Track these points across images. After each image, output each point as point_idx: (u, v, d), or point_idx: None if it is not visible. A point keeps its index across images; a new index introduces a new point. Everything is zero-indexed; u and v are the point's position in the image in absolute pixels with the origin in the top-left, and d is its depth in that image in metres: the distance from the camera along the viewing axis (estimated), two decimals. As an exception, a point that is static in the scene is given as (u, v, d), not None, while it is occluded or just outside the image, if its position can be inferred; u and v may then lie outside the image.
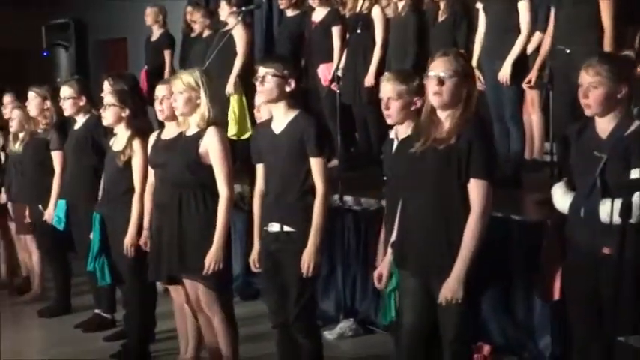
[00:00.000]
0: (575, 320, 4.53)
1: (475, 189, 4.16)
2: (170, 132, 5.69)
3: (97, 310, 7.36)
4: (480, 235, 4.14)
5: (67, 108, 7.07)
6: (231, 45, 8.57)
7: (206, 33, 9.61)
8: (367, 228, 6.79)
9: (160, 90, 5.75)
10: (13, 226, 8.57)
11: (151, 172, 5.85)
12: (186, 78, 5.34)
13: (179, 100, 5.33)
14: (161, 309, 6.70)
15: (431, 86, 4.26)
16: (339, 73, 7.71)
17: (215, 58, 8.25)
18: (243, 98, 8.58)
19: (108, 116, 6.24)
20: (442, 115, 4.26)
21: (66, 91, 7.06)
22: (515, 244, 5.83)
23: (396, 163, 4.82)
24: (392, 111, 4.86)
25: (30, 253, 8.31)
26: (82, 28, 14.16)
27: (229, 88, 8.55)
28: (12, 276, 8.94)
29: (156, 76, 10.03)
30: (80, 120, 7.10)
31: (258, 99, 5.14)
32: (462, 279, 4.14)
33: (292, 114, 5.02)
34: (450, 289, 4.15)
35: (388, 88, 4.88)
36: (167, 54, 10.51)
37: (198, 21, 9.77)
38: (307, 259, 4.91)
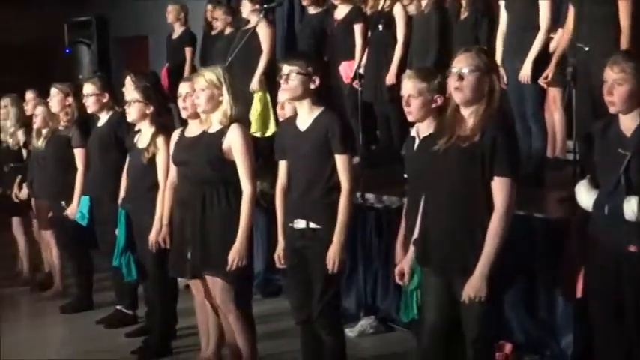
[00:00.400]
0: (597, 319, 4.51)
1: (499, 187, 4.15)
2: (193, 130, 5.70)
3: (118, 307, 7.38)
4: (503, 233, 4.13)
5: (90, 105, 7.10)
6: (253, 42, 8.58)
7: (228, 30, 9.63)
8: (389, 226, 6.78)
9: (183, 87, 5.77)
10: (35, 222, 8.62)
11: (172, 168, 5.87)
12: (209, 75, 5.35)
13: (201, 98, 5.34)
14: (182, 305, 6.72)
15: (452, 82, 4.26)
16: (361, 71, 7.70)
17: (237, 55, 8.26)
18: (267, 96, 8.60)
19: (132, 112, 6.26)
20: (465, 112, 4.26)
21: (89, 88, 7.09)
22: (537, 242, 5.81)
23: (417, 161, 4.83)
24: (412, 108, 4.87)
25: (51, 249, 8.34)
26: (104, 26, 14.18)
27: (254, 85, 8.56)
28: (34, 272, 8.97)
29: (177, 73, 10.08)
30: (103, 117, 7.13)
31: (282, 96, 5.14)
32: (485, 277, 4.13)
33: (317, 111, 5.02)
34: (473, 286, 4.15)
35: (409, 86, 4.89)
36: (188, 51, 10.52)
37: (220, 18, 9.79)
38: (333, 256, 4.92)
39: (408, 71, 5.20)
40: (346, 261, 5.03)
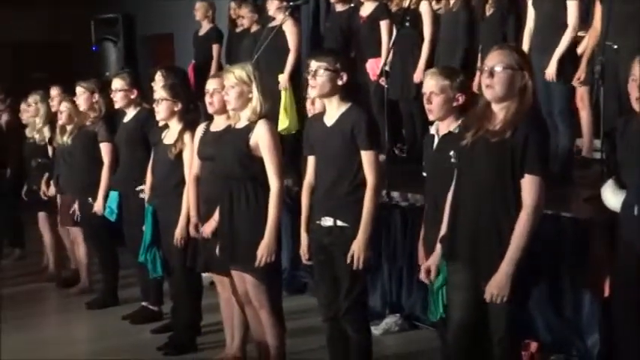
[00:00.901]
0: (621, 319, 4.48)
1: (528, 185, 4.11)
2: (219, 124, 5.73)
3: (144, 303, 7.41)
4: (530, 232, 4.10)
5: (118, 100, 7.14)
6: (279, 40, 8.58)
7: (254, 28, 9.65)
8: (414, 224, 6.76)
9: (211, 84, 5.78)
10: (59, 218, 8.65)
11: (195, 164, 5.88)
12: (239, 72, 5.35)
13: (231, 94, 5.35)
14: (207, 302, 6.74)
15: (483, 79, 4.24)
16: (387, 68, 7.69)
17: (263, 53, 8.26)
18: (293, 93, 8.61)
19: (161, 111, 6.27)
20: (496, 108, 4.23)
21: (117, 83, 7.13)
22: (563, 241, 5.78)
23: (435, 160, 4.82)
24: (434, 106, 4.85)
25: (77, 245, 8.37)
26: (131, 23, 14.25)
27: (283, 82, 8.57)
28: (60, 268, 9.01)
29: (203, 70, 10.11)
30: (130, 113, 7.17)
31: (311, 93, 5.14)
32: (509, 276, 4.10)
33: (344, 107, 5.01)
34: (497, 285, 4.12)
35: (431, 83, 4.87)
36: (215, 49, 10.54)
37: (246, 16, 9.80)
38: (357, 252, 4.91)
39: (431, 69, 5.17)
40: (372, 258, 4.99)
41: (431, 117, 4.93)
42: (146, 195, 6.58)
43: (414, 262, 6.58)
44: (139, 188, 6.77)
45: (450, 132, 4.80)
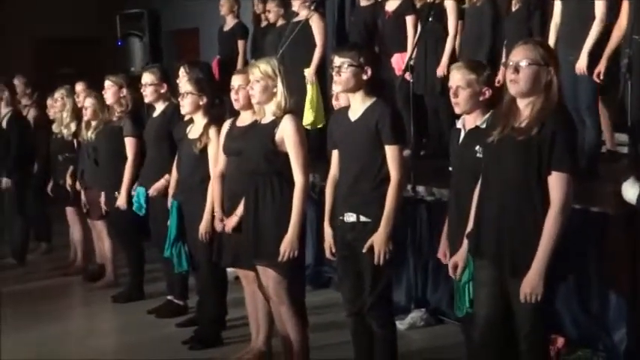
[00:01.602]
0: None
1: (556, 181, 4.08)
2: (245, 119, 5.74)
3: (169, 297, 7.44)
4: (560, 229, 4.07)
5: (148, 95, 7.14)
6: (304, 35, 8.59)
7: (279, 23, 9.64)
8: (439, 218, 6.73)
9: (237, 79, 5.79)
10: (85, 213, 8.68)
11: (221, 159, 5.89)
12: (264, 67, 5.36)
13: (256, 89, 5.36)
14: (232, 296, 6.76)
15: (508, 74, 4.21)
16: (412, 63, 7.66)
17: (288, 48, 8.27)
18: (318, 88, 8.61)
19: (186, 104, 6.29)
20: (522, 103, 4.20)
21: (147, 77, 7.14)
22: (589, 236, 5.75)
23: (461, 154, 4.80)
24: (460, 100, 4.83)
25: (102, 239, 8.41)
26: (156, 18, 14.31)
27: (310, 77, 8.56)
28: (87, 262, 9.05)
29: (228, 66, 10.10)
30: (159, 107, 7.19)
31: (336, 88, 5.13)
32: (542, 274, 4.07)
33: (369, 102, 5.00)
34: (530, 284, 4.09)
35: (457, 77, 4.85)
36: (241, 44, 10.55)
37: (272, 10, 9.78)
38: (378, 246, 4.90)
39: (457, 62, 5.15)
40: (394, 253, 4.97)
41: (457, 111, 4.91)
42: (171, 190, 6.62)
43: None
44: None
45: (476, 126, 4.78)
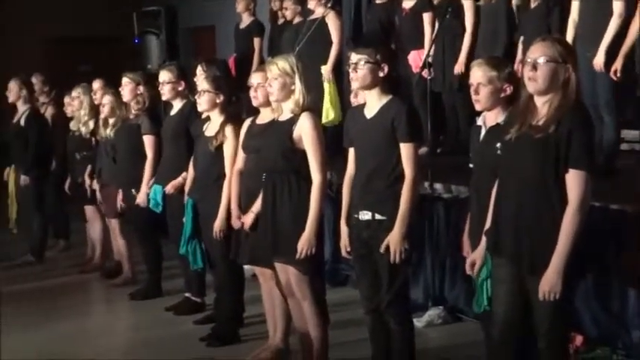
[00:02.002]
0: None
1: (574, 179, 4.06)
2: (264, 117, 5.74)
3: (187, 294, 7.44)
4: (578, 227, 4.04)
5: (165, 92, 7.15)
6: (321, 32, 8.59)
7: (296, 20, 9.64)
8: (457, 216, 6.73)
9: (256, 77, 5.79)
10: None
11: (240, 157, 5.90)
12: (282, 64, 5.36)
13: (274, 86, 5.36)
14: (249, 294, 6.76)
15: (526, 71, 4.19)
16: (430, 60, 7.65)
17: (305, 45, 8.26)
18: (335, 85, 8.61)
19: (203, 102, 6.30)
20: (539, 101, 4.18)
21: (165, 75, 7.15)
22: (608, 233, 5.72)
23: (482, 152, 4.78)
24: (481, 96, 4.81)
25: (116, 237, 8.43)
26: (173, 16, 14.33)
27: (327, 74, 8.56)
28: (104, 260, 9.08)
29: (244, 63, 10.11)
30: (176, 105, 7.19)
31: (353, 85, 5.13)
32: (561, 273, 4.05)
33: (385, 99, 4.98)
34: (549, 282, 4.07)
35: (479, 74, 4.83)
36: (257, 41, 10.54)
37: (289, 8, 9.78)
38: (393, 245, 4.89)
39: (478, 59, 5.12)
40: (409, 250, 4.95)
41: (478, 108, 4.89)
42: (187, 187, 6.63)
43: (457, 254, 6.55)
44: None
45: (497, 124, 4.74)
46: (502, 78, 4.78)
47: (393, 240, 4.89)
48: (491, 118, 4.84)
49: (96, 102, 8.59)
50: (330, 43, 8.73)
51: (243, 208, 5.81)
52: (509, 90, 4.76)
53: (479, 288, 4.67)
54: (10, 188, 9.69)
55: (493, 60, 5.00)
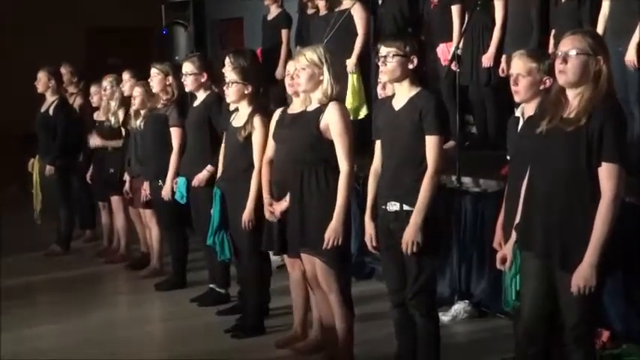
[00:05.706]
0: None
1: (606, 173, 4.02)
2: (295, 107, 5.72)
3: (211, 285, 7.45)
4: (612, 221, 4.01)
5: (189, 84, 7.17)
6: (349, 24, 8.56)
7: (324, 11, 9.60)
8: (485, 210, 6.70)
9: (291, 66, 5.77)
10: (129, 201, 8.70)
11: (270, 147, 5.88)
12: (310, 54, 5.37)
13: (302, 77, 5.37)
14: (275, 285, 6.76)
15: (557, 64, 4.18)
16: (459, 53, 7.61)
17: (333, 36, 8.23)
18: (360, 77, 8.57)
19: (231, 94, 6.28)
20: (571, 94, 4.16)
21: (188, 67, 7.15)
22: (635, 229, 5.67)
23: (519, 143, 4.74)
24: (520, 88, 4.81)
25: (149, 228, 8.44)
26: (201, 7, 14.34)
27: (350, 66, 8.53)
28: (129, 250, 9.10)
29: (272, 55, 10.08)
30: (200, 96, 7.19)
31: (382, 78, 5.11)
32: (594, 267, 4.02)
33: (414, 91, 4.97)
34: (582, 276, 4.04)
35: (519, 65, 4.83)
36: (284, 33, 10.49)
37: (321, -1, 9.72)
38: (406, 236, 4.86)
39: (519, 51, 5.09)
40: (435, 244, 4.92)
41: (517, 99, 4.89)
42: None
43: (484, 248, 6.54)
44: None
45: (530, 116, 4.71)
46: (542, 70, 4.78)
47: (408, 232, 4.86)
48: (529, 109, 4.82)
49: (125, 93, 8.60)
50: (357, 34, 8.69)
51: (275, 198, 5.78)
52: (548, 82, 4.73)
53: (508, 284, 4.62)
54: (34, 179, 9.69)
55: (534, 52, 5.03)
